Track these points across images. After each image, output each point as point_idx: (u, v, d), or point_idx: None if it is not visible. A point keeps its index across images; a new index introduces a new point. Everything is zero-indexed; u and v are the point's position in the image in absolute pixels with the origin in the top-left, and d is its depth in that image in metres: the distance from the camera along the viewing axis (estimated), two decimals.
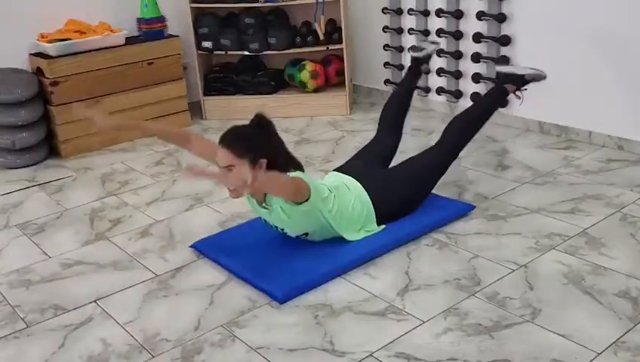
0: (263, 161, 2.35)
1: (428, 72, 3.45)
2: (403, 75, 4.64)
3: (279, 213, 2.46)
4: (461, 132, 2.95)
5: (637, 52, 3.39)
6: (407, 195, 2.80)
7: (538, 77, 3.06)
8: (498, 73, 3.14)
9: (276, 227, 2.58)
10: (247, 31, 4.50)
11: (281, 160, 2.44)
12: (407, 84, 3.32)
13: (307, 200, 2.39)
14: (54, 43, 3.95)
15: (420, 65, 3.32)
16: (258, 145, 2.36)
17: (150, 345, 2.15)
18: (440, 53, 4.30)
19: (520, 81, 3.04)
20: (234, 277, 2.52)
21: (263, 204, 2.50)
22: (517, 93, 3.07)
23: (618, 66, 3.49)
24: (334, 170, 2.88)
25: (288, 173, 2.41)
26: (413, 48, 3.36)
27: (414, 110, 4.57)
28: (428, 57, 3.35)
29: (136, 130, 2.65)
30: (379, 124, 3.18)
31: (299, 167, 2.52)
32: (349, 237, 2.61)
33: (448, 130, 2.97)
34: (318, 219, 2.50)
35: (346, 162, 2.99)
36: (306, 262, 2.52)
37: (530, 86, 3.09)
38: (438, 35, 4.25)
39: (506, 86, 3.06)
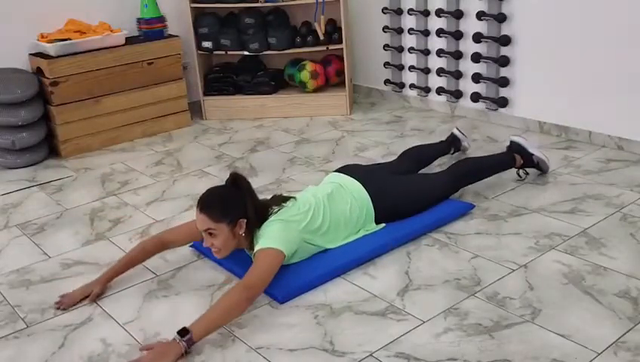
0: (242, 221, 2.36)
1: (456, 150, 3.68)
2: (407, 78, 4.66)
3: None
4: (467, 174, 3.04)
5: (637, 52, 3.39)
6: (404, 204, 2.80)
7: (543, 165, 3.22)
8: (511, 142, 3.26)
9: None
10: (247, 31, 4.50)
11: (259, 214, 2.42)
12: (442, 147, 3.44)
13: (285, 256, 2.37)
14: (54, 43, 3.95)
15: (452, 145, 3.46)
16: (235, 206, 2.37)
17: None
18: (440, 53, 4.30)
19: (527, 159, 3.19)
20: (234, 277, 2.52)
21: (249, 253, 2.49)
22: (520, 172, 3.20)
23: (618, 66, 3.49)
24: (336, 171, 2.88)
25: (270, 219, 2.40)
26: (457, 130, 3.52)
27: (414, 110, 4.58)
28: (458, 146, 3.48)
29: (122, 271, 2.55)
30: (400, 154, 3.22)
31: (279, 202, 2.50)
32: (350, 239, 2.62)
33: (457, 166, 3.06)
34: (313, 248, 2.53)
35: (352, 164, 2.99)
36: (305, 262, 2.52)
37: (534, 171, 3.23)
38: (438, 36, 4.25)
39: (515, 155, 3.18)
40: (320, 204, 2.56)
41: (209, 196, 2.41)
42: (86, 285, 2.47)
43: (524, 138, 3.24)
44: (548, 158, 3.24)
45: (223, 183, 2.49)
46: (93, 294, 2.42)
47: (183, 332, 2.05)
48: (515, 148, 3.22)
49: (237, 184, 2.44)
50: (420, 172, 3.16)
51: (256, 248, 2.33)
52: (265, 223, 2.40)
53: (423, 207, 2.84)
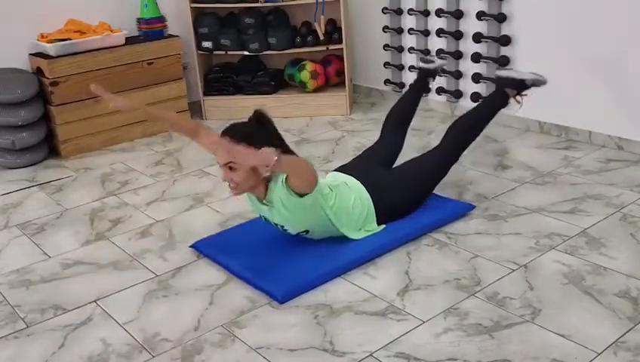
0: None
1: (428, 91, 3.51)
2: (407, 78, 4.66)
3: (280, 209, 2.46)
4: (462, 135, 2.95)
5: (637, 52, 3.39)
6: (408, 196, 2.80)
7: (538, 82, 3.05)
8: (498, 77, 3.13)
9: (276, 224, 2.58)
10: (247, 31, 4.50)
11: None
12: (413, 94, 3.31)
13: (311, 192, 2.39)
14: (54, 43, 3.95)
15: (427, 78, 3.33)
16: (258, 142, 2.35)
17: (150, 345, 2.15)
18: (440, 53, 4.30)
19: (520, 86, 3.03)
20: (234, 277, 2.52)
21: (264, 201, 2.50)
22: (517, 97, 3.07)
23: (618, 66, 3.49)
24: (335, 170, 2.88)
25: None
26: (423, 60, 3.38)
27: (415, 115, 4.57)
28: (436, 72, 3.34)
29: (151, 117, 2.70)
30: (382, 128, 3.17)
31: None
32: (349, 234, 2.61)
33: (450, 132, 2.98)
34: (319, 215, 2.50)
35: (348, 163, 2.99)
36: (306, 262, 2.52)
37: (531, 90, 3.08)
38: (438, 36, 4.25)
39: (506, 90, 3.05)
40: (332, 190, 2.57)
41: (232, 129, 2.38)
42: (117, 97, 2.61)
43: (509, 69, 3.09)
44: (540, 74, 3.06)
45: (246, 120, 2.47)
46: (117, 102, 2.55)
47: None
48: (502, 83, 3.07)
49: (260, 121, 2.42)
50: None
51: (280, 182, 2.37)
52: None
53: (429, 189, 2.83)
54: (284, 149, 2.45)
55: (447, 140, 2.95)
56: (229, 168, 2.36)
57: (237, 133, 2.37)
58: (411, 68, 4.56)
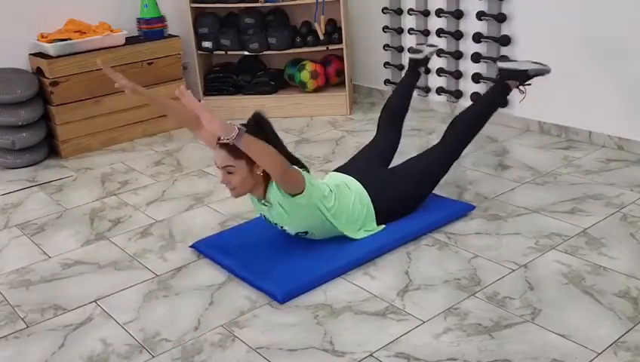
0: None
1: (428, 71, 3.44)
2: (402, 76, 4.66)
3: (278, 209, 2.46)
4: (463, 131, 2.94)
5: (637, 52, 3.39)
6: (408, 195, 2.80)
7: (542, 71, 3.02)
8: (500, 69, 3.10)
9: (276, 224, 2.58)
10: (247, 31, 4.50)
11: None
12: (406, 86, 3.31)
13: (302, 192, 2.38)
14: (54, 43, 3.95)
15: (417, 67, 3.31)
16: None
17: (150, 345, 2.15)
18: (440, 53, 4.30)
19: (523, 77, 3.00)
20: (234, 277, 2.52)
21: (263, 201, 2.51)
22: (520, 88, 3.03)
23: (618, 66, 3.49)
24: (334, 171, 2.88)
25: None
26: (411, 50, 3.35)
27: (414, 110, 4.57)
28: (426, 60, 3.32)
29: (153, 103, 2.64)
30: (378, 125, 3.17)
31: (302, 166, 2.52)
32: (350, 234, 2.61)
33: (450, 129, 2.97)
34: (318, 216, 2.50)
35: (346, 163, 2.98)
36: (306, 262, 2.52)
37: (534, 81, 3.05)
38: (438, 36, 4.25)
39: (508, 82, 3.02)
40: (333, 191, 2.57)
41: None
42: (125, 79, 2.53)
43: (510, 60, 3.04)
44: (544, 63, 3.03)
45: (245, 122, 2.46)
46: (124, 83, 2.50)
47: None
48: (505, 75, 3.04)
49: (259, 124, 2.41)
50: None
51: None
52: None
53: (430, 187, 2.83)
54: (282, 151, 2.45)
55: (446, 139, 2.94)
56: (227, 171, 2.36)
57: None
58: None
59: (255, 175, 2.38)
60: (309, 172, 2.51)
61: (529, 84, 3.04)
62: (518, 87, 3.03)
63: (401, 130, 3.13)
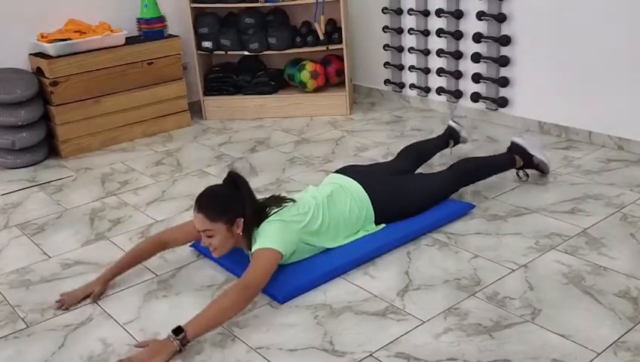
0: (240, 220, 2.36)
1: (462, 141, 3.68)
2: (407, 78, 4.66)
3: None
4: (467, 173, 3.03)
5: (637, 52, 3.39)
6: (405, 207, 2.80)
7: (544, 166, 3.20)
8: (512, 142, 3.23)
9: None
10: (247, 31, 4.50)
11: (257, 214, 2.41)
12: (438, 142, 3.41)
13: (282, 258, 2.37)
14: (54, 43, 3.95)
15: (452, 137, 3.43)
16: (232, 206, 2.36)
17: None
18: (440, 53, 4.30)
19: (527, 160, 3.17)
20: (234, 277, 2.52)
21: (247, 252, 2.49)
22: (520, 173, 3.20)
23: (618, 66, 3.49)
24: (335, 172, 2.87)
25: (269, 219, 2.40)
26: (454, 118, 3.48)
27: (414, 110, 4.58)
28: (457, 136, 3.44)
29: (124, 269, 2.58)
30: (399, 153, 3.21)
31: (277, 202, 2.49)
32: (348, 240, 2.62)
33: (457, 165, 3.04)
34: (304, 247, 2.50)
35: (350, 165, 2.98)
36: (305, 262, 2.52)
37: (533, 171, 3.21)
38: (438, 36, 4.25)
39: (516, 156, 3.16)
40: (319, 206, 2.56)
41: (206, 196, 2.40)
42: (86, 285, 2.47)
43: (524, 139, 3.23)
44: (549, 160, 3.23)
45: (220, 182, 2.48)
46: (95, 294, 2.42)
47: (178, 330, 2.05)
48: (515, 149, 3.20)
49: (235, 183, 2.43)
50: (420, 170, 3.16)
51: (254, 248, 2.33)
52: (263, 223, 2.40)
53: (423, 207, 2.84)
54: (258, 208, 2.43)
55: (453, 171, 3.00)
56: (207, 235, 2.36)
57: (210, 198, 2.38)
58: (411, 68, 4.56)
59: (235, 234, 2.38)
60: (294, 201, 2.51)
61: (527, 176, 3.20)
62: (518, 171, 3.20)
63: (416, 169, 3.15)
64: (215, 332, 2.18)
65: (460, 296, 2.31)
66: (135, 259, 2.54)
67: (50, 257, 2.80)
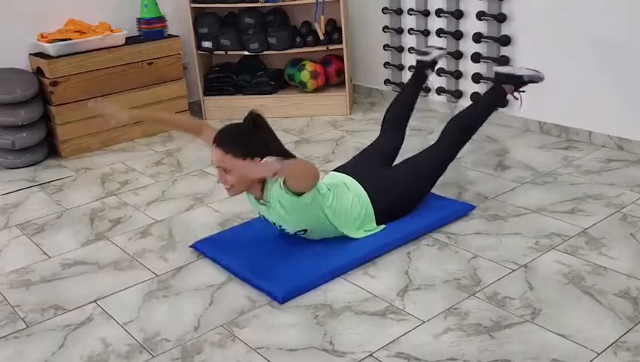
0: (258, 160, 2.33)
1: (436, 72, 3.47)
2: (407, 78, 4.66)
3: (277, 209, 2.46)
4: (460, 132, 2.95)
5: (637, 52, 3.39)
6: (406, 194, 2.80)
7: (536, 78, 3.06)
8: (496, 73, 3.13)
9: (274, 223, 2.58)
10: (247, 31, 4.50)
11: (281, 156, 2.41)
12: (411, 88, 3.30)
13: (310, 190, 2.38)
14: (54, 43, 3.95)
15: (424, 70, 3.31)
16: (252, 144, 2.35)
17: (150, 345, 2.15)
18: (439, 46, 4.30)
19: (518, 82, 3.04)
20: (234, 277, 2.52)
21: (261, 201, 2.50)
22: (514, 93, 3.08)
23: (618, 66, 3.49)
24: (333, 171, 2.88)
25: None
26: (419, 52, 3.36)
27: (414, 110, 4.57)
28: (433, 63, 3.33)
29: (153, 122, 2.70)
30: (382, 125, 3.17)
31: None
32: (349, 233, 2.61)
33: (447, 130, 2.98)
34: (318, 215, 2.50)
35: (346, 163, 2.98)
36: (306, 262, 2.52)
37: (529, 87, 3.09)
38: (438, 36, 4.25)
39: (504, 86, 3.06)
40: (330, 189, 2.56)
41: (227, 131, 2.37)
42: (118, 109, 2.56)
43: (509, 66, 3.10)
44: (538, 71, 3.07)
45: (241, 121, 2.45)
46: (119, 118, 2.48)
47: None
48: (501, 78, 3.07)
49: (257, 123, 2.41)
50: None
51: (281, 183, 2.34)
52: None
53: (427, 187, 2.83)
54: (280, 149, 2.44)
55: (444, 138, 2.95)
56: (224, 170, 2.36)
57: (230, 134, 2.37)
58: (411, 68, 4.56)
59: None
60: None
61: (523, 91, 3.08)
62: (512, 93, 3.07)
63: (405, 132, 3.14)
64: (215, 332, 2.18)
65: (460, 296, 2.31)
66: (169, 121, 2.77)
67: (50, 257, 2.80)
